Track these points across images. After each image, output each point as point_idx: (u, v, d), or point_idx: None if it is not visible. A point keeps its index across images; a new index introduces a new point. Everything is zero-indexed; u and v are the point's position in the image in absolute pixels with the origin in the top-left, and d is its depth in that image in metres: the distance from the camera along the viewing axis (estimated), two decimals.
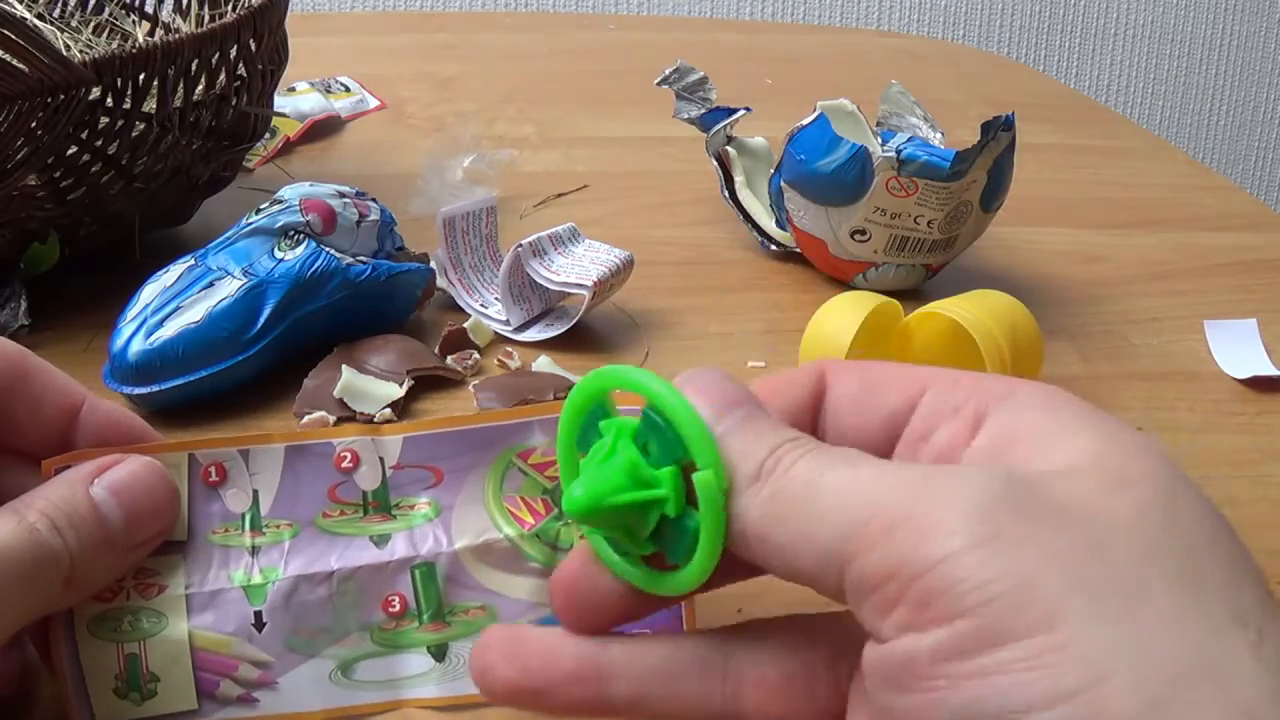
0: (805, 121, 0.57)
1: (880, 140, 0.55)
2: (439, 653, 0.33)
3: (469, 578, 0.34)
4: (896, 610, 0.22)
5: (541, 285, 0.53)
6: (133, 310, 0.47)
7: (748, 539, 0.25)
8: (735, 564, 0.26)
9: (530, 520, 0.34)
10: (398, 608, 0.33)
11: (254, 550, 0.33)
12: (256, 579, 0.32)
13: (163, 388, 0.45)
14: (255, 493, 0.33)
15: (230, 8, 0.66)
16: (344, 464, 0.34)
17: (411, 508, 0.34)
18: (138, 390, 0.45)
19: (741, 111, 0.65)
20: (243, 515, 0.33)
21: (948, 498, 0.22)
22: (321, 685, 0.32)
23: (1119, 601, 0.20)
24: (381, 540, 0.33)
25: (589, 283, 0.51)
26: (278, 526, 0.33)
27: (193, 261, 0.48)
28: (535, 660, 0.28)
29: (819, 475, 0.24)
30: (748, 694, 0.27)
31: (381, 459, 0.34)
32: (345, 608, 0.33)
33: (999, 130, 0.54)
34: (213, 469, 0.33)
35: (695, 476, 0.25)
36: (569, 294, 0.53)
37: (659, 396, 0.26)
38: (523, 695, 0.28)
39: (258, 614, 0.32)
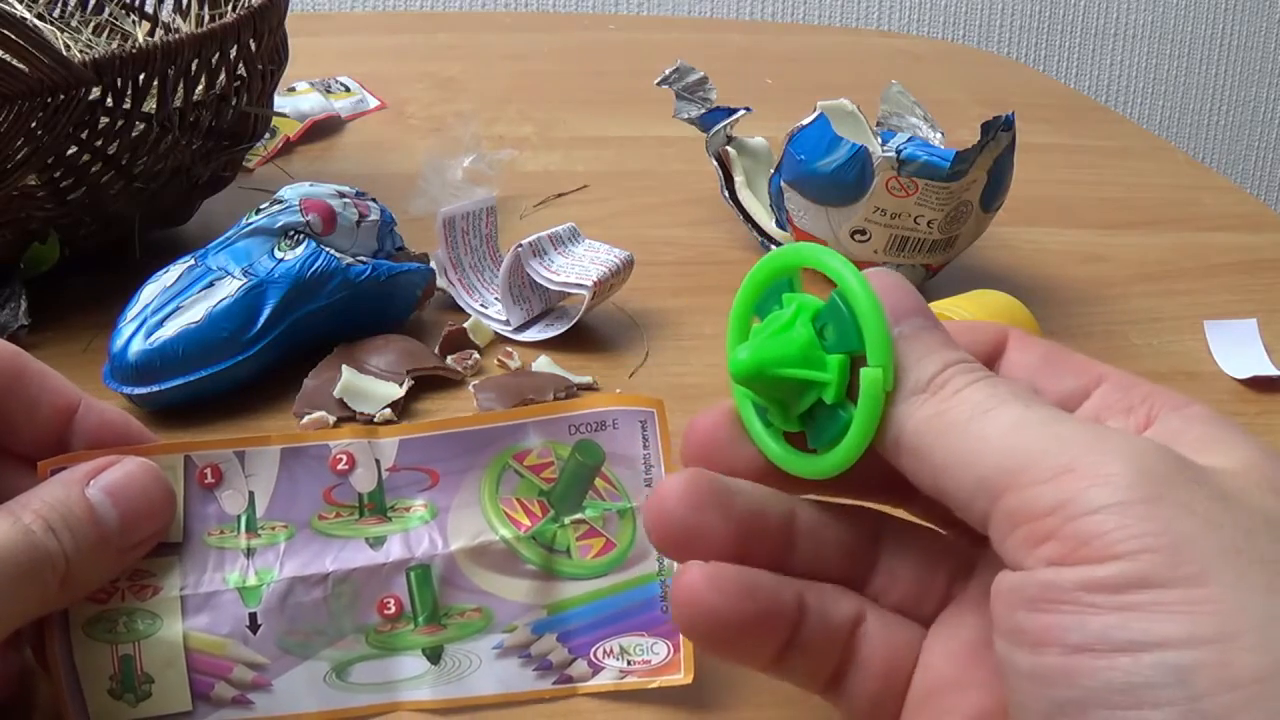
0: (805, 121, 0.57)
1: (880, 140, 0.55)
2: (434, 655, 0.33)
3: (464, 580, 0.33)
4: (1048, 544, 0.22)
5: (541, 285, 0.53)
6: (133, 310, 0.47)
7: (899, 447, 0.25)
8: (866, 476, 0.27)
9: (526, 522, 0.34)
10: (393, 610, 0.33)
11: (249, 552, 0.33)
12: (252, 581, 0.32)
13: (163, 388, 0.45)
14: (251, 495, 0.33)
15: (230, 8, 0.66)
16: (340, 466, 0.34)
17: (407, 510, 0.34)
18: (138, 390, 0.45)
19: (741, 111, 0.65)
20: (238, 517, 0.33)
21: (1120, 454, 0.22)
22: (316, 687, 0.32)
23: (1263, 579, 0.21)
24: (377, 542, 0.33)
25: (589, 283, 0.51)
26: (273, 528, 0.33)
27: (193, 261, 0.48)
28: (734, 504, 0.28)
29: (990, 406, 0.24)
30: (874, 578, 0.29)
31: (377, 461, 0.34)
32: (340, 610, 0.33)
33: (999, 130, 0.54)
34: (208, 471, 0.33)
35: (863, 372, 0.25)
36: (569, 294, 0.53)
37: (849, 285, 0.26)
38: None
39: (253, 616, 0.32)
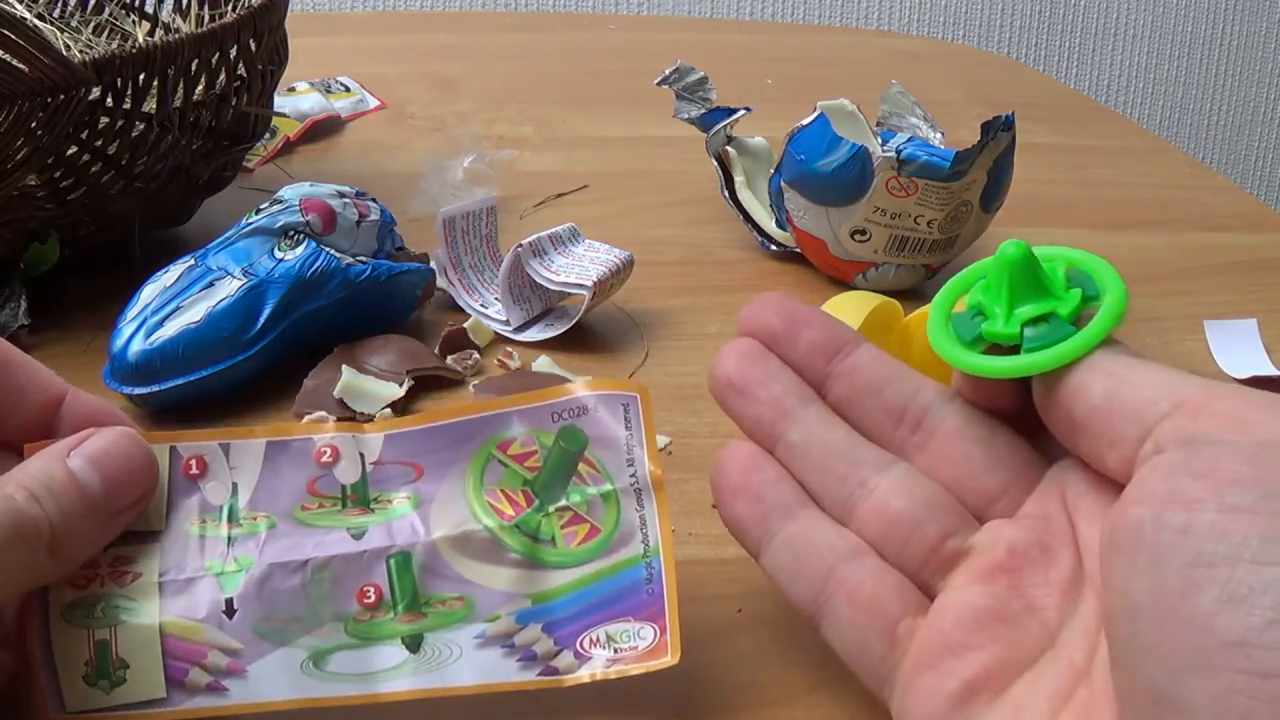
0: (805, 121, 0.57)
1: (880, 140, 0.55)
2: (414, 644, 0.33)
3: (446, 567, 0.33)
4: (1216, 419, 0.26)
5: (541, 285, 0.53)
6: (133, 310, 0.47)
7: (1093, 367, 0.30)
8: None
9: (510, 512, 0.34)
10: (373, 599, 0.33)
11: (230, 541, 0.33)
12: (230, 566, 0.32)
13: (163, 388, 0.45)
14: (234, 485, 0.33)
15: (230, 8, 0.66)
16: (324, 459, 0.34)
17: (390, 502, 0.34)
18: (138, 390, 0.45)
19: (741, 111, 0.65)
20: (221, 507, 0.33)
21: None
22: (293, 675, 0.32)
23: None
24: (359, 532, 0.33)
25: (589, 283, 0.51)
26: (255, 518, 0.33)
27: (193, 261, 0.48)
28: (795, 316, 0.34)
29: (1172, 370, 0.29)
30: (927, 443, 0.33)
31: (361, 454, 0.34)
32: (319, 597, 0.32)
33: (999, 130, 0.54)
34: (193, 462, 0.33)
35: (1108, 296, 0.31)
36: (569, 294, 0.53)
37: (1080, 256, 0.32)
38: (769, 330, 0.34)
39: (229, 601, 0.32)
